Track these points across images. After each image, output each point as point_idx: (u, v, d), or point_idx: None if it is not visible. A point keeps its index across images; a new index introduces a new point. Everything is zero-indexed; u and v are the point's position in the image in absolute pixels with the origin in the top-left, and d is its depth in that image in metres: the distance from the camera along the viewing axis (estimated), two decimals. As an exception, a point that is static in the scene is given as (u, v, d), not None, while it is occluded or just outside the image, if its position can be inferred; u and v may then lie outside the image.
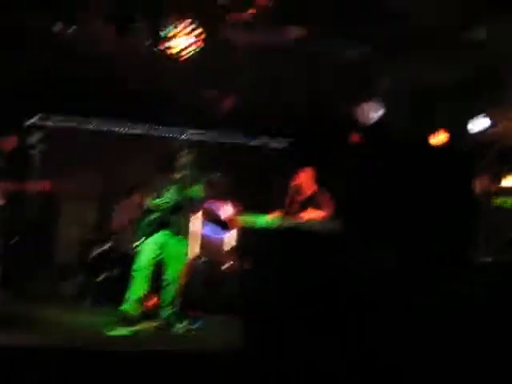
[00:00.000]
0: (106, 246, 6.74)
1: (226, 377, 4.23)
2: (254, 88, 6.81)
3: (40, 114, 7.92)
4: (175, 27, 4.44)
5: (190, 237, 5.91)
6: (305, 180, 6.49)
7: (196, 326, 5.63)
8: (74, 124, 8.25)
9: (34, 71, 6.46)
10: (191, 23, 4.45)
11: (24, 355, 4.10)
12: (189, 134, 8.48)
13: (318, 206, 6.29)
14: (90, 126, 8.28)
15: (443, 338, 4.50)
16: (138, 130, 8.44)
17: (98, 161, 8.06)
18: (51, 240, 7.32)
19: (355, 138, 7.47)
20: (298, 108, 7.31)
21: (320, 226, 6.14)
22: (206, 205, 6.81)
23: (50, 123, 8.12)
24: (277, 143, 8.74)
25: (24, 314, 5.14)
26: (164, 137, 8.40)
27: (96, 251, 6.70)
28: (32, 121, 7.97)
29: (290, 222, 6.08)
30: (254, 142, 8.75)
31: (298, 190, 6.45)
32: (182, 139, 8.18)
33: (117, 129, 8.40)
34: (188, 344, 4.99)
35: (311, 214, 6.18)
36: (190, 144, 8.08)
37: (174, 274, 5.44)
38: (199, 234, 7.69)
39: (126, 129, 8.43)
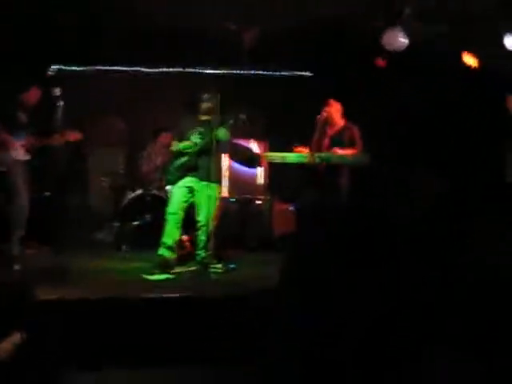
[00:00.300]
0: (138, 191, 6.74)
1: (264, 318, 4.27)
2: (275, 17, 6.63)
3: (59, 64, 7.84)
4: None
5: (220, 177, 5.85)
6: (334, 112, 6.35)
7: (231, 266, 5.66)
8: (95, 68, 8.19)
9: (53, 20, 6.38)
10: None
11: (67, 307, 4.21)
12: (212, 70, 8.35)
13: (349, 140, 6.19)
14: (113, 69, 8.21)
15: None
16: (161, 69, 8.33)
17: (123, 104, 8.04)
18: (83, 190, 7.39)
19: (381, 63, 7.23)
20: (321, 35, 7.12)
21: (352, 160, 6.05)
22: (233, 142, 6.74)
23: (71, 70, 8.08)
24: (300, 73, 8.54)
25: (63, 266, 5.19)
26: (187, 75, 8.28)
27: (128, 197, 6.71)
28: (52, 70, 7.92)
29: (321, 156, 6.00)
30: (275, 74, 8.56)
31: (328, 122, 6.33)
32: (206, 79, 8.03)
33: (141, 69, 8.30)
34: (226, 286, 5.01)
35: (344, 150, 6.10)
36: (214, 80, 8.04)
37: (206, 216, 5.42)
38: (228, 173, 7.67)
39: (150, 69, 8.32)
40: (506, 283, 2.34)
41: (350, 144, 6.18)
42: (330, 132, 6.36)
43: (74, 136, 5.99)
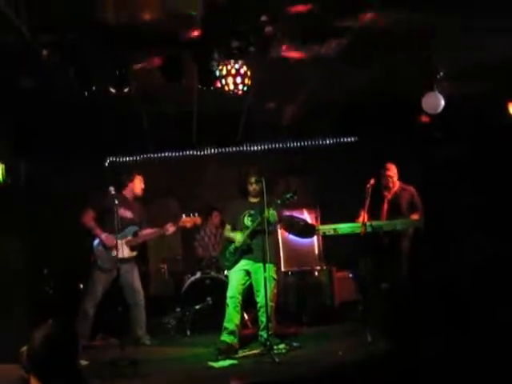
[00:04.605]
0: (197, 275, 6.84)
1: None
2: (315, 93, 6.74)
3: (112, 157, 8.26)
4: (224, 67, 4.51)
5: (274, 257, 5.87)
6: (393, 175, 6.35)
7: (295, 344, 5.62)
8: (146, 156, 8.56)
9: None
10: (237, 63, 4.50)
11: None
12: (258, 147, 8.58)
13: (409, 203, 6.18)
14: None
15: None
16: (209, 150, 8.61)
17: (175, 187, 8.29)
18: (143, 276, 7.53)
19: (425, 119, 7.23)
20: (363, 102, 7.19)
21: (406, 225, 6.02)
22: (286, 215, 6.79)
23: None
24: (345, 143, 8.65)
25: (130, 357, 5.26)
26: (235, 154, 8.52)
27: (188, 282, 6.80)
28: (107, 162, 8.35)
29: (373, 225, 5.95)
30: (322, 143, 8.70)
31: (387, 186, 6.34)
32: (253, 157, 8.23)
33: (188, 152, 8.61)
34: (290, 367, 4.96)
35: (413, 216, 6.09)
36: (261, 157, 8.24)
37: (265, 297, 5.40)
38: (283, 246, 7.72)
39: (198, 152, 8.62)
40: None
41: (411, 207, 6.17)
42: (389, 196, 6.36)
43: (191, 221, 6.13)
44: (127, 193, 6.20)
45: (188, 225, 6.14)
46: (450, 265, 6.42)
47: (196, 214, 6.17)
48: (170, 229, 6.09)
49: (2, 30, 4.20)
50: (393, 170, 6.38)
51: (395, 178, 6.38)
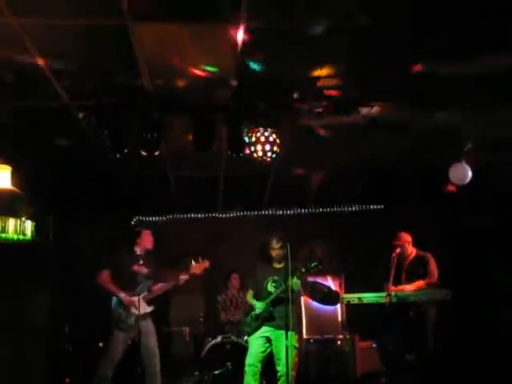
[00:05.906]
0: (218, 339, 6.75)
1: None
2: (342, 160, 6.78)
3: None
4: (254, 134, 4.60)
5: (296, 325, 5.78)
6: (406, 244, 6.33)
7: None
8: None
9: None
10: (266, 131, 4.58)
11: None
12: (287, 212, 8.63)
13: (423, 270, 6.11)
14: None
15: None
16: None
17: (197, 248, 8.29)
18: (164, 336, 7.46)
19: (451, 188, 7.21)
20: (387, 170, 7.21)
21: (432, 296, 5.93)
22: (309, 281, 6.73)
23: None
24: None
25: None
26: (262, 219, 8.55)
27: (208, 345, 6.71)
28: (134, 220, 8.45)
29: (398, 295, 5.89)
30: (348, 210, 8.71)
31: (403, 255, 6.30)
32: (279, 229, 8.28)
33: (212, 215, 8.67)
34: None
35: (420, 282, 6.04)
36: (286, 221, 8.25)
37: (285, 366, 5.29)
38: (305, 313, 7.60)
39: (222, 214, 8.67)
40: None
41: (424, 273, 6.11)
42: (406, 263, 6.31)
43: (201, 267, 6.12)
44: (138, 249, 6.18)
45: (198, 271, 6.10)
46: (478, 336, 6.28)
47: (201, 259, 6.13)
48: (183, 278, 6.06)
49: (43, 93, 4.36)
50: (404, 239, 6.38)
51: (408, 246, 6.36)
